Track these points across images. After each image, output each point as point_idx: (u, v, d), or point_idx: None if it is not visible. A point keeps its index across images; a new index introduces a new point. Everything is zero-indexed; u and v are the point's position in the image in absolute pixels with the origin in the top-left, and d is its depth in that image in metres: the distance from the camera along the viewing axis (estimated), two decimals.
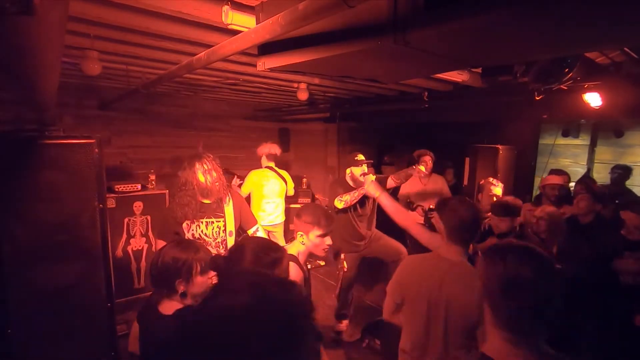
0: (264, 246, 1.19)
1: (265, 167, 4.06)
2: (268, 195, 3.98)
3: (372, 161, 3.17)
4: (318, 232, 1.72)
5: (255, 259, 1.12)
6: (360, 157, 3.08)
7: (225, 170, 4.39)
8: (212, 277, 1.51)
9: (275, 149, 4.09)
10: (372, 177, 2.61)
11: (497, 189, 2.99)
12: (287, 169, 4.33)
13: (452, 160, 4.47)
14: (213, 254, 1.48)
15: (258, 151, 4.12)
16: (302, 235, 1.72)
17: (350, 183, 3.14)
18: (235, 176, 4.25)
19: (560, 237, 2.60)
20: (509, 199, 2.60)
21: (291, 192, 4.24)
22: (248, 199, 4.00)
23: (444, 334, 1.55)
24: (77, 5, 1.55)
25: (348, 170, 3.13)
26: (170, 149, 4.97)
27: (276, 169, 4.11)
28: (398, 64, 1.60)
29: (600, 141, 4.85)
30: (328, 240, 1.78)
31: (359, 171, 3.05)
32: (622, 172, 3.95)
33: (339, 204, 2.95)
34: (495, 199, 2.92)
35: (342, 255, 3.05)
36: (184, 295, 1.41)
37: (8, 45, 0.73)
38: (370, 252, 3.26)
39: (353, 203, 2.96)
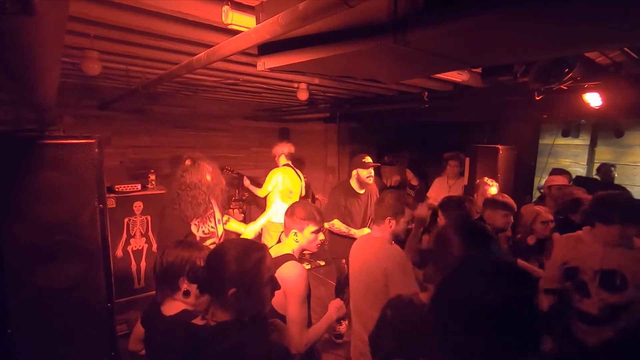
0: (244, 248, 1.12)
1: (284, 165, 4.10)
2: (293, 192, 4.03)
3: (379, 165, 3.18)
4: (313, 227, 1.72)
5: (236, 267, 1.06)
6: (368, 159, 3.08)
7: (235, 172, 4.45)
8: None
9: (292, 148, 4.18)
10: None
11: (493, 189, 2.98)
12: None
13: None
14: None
15: (274, 151, 4.17)
16: (295, 233, 1.71)
17: (355, 186, 3.14)
18: (245, 177, 4.30)
19: None
20: (499, 196, 2.59)
21: (303, 192, 4.27)
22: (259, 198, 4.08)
23: (364, 294, 1.88)
24: (77, 5, 1.55)
25: (354, 172, 3.12)
26: (170, 149, 4.96)
27: (294, 167, 4.18)
28: (398, 64, 1.60)
29: (600, 141, 4.85)
30: (321, 236, 1.79)
31: (366, 174, 3.05)
32: (613, 170, 3.95)
33: (326, 225, 2.98)
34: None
35: (344, 260, 3.06)
36: (186, 293, 1.42)
37: (8, 45, 0.73)
38: None
39: (340, 234, 3.06)
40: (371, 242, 1.99)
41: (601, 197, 1.95)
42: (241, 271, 1.06)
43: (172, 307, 1.40)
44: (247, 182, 4.28)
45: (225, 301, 1.05)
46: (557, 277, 2.05)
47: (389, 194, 2.04)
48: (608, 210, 1.84)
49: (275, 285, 1.15)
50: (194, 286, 1.41)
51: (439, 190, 3.96)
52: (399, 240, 2.02)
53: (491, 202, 2.51)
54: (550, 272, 2.11)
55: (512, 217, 2.45)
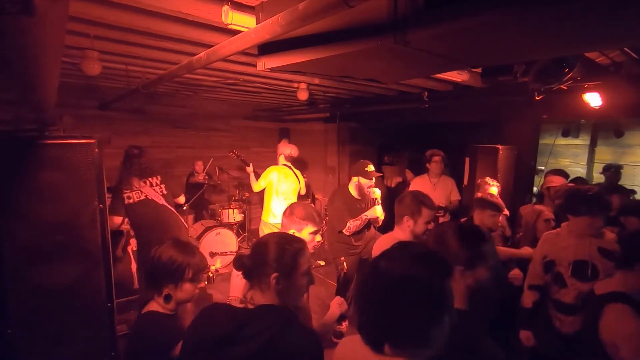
0: (287, 238, 1.22)
1: (283, 164, 4.10)
2: (285, 192, 4.01)
3: (381, 174, 3.12)
4: (312, 228, 1.71)
5: (279, 252, 1.14)
6: (371, 168, 2.99)
7: (241, 157, 4.51)
8: (199, 288, 1.49)
9: (295, 151, 4.17)
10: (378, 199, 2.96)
11: (493, 189, 2.98)
12: None
13: (453, 160, 4.45)
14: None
15: (278, 149, 4.19)
16: (293, 232, 1.70)
17: (354, 192, 3.09)
18: (250, 163, 4.37)
19: None
20: (488, 196, 2.59)
21: (303, 191, 4.26)
22: (260, 193, 4.09)
23: None
24: (77, 5, 1.55)
25: (355, 179, 3.04)
26: (170, 149, 4.97)
27: (293, 168, 4.16)
28: (398, 64, 1.61)
29: (600, 141, 4.86)
30: (318, 237, 1.79)
31: (368, 184, 2.99)
32: (615, 170, 3.94)
33: (344, 231, 2.98)
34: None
35: (342, 257, 3.05)
36: (167, 298, 1.40)
37: (8, 45, 0.73)
38: (367, 252, 3.27)
39: (359, 228, 3.00)
40: (389, 240, 1.98)
41: (570, 191, 2.04)
42: (283, 257, 1.13)
43: (148, 307, 1.41)
44: (250, 169, 4.29)
45: (266, 285, 1.11)
46: (539, 273, 2.10)
47: (409, 194, 2.04)
48: (576, 202, 1.93)
49: (311, 279, 1.21)
50: (178, 292, 1.41)
51: (422, 188, 3.87)
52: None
53: (480, 202, 2.53)
54: (533, 268, 2.16)
55: (500, 217, 2.48)
